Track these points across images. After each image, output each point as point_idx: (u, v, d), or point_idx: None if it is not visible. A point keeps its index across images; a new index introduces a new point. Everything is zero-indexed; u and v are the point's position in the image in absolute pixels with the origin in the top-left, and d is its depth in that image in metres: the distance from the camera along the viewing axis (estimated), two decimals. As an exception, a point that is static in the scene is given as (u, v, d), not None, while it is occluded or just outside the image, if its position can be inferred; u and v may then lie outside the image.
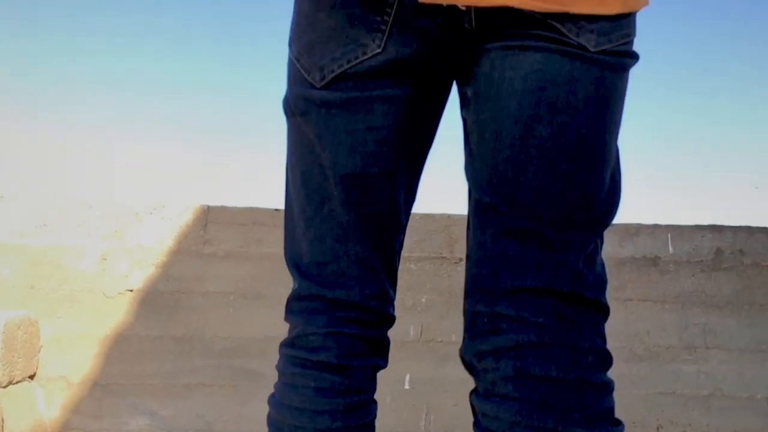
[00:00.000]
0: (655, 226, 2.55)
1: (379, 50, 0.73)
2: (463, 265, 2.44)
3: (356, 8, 0.73)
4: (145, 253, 2.41)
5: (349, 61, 0.74)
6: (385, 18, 0.72)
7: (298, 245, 0.85)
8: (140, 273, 2.40)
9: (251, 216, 2.47)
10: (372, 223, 0.82)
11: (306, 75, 0.77)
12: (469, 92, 0.77)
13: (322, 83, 0.76)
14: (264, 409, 0.88)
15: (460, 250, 2.45)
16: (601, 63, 0.71)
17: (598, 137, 0.72)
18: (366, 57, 0.74)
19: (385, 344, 0.87)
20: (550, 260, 0.71)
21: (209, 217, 2.46)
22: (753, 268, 2.51)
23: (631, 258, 2.49)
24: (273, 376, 0.90)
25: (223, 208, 2.48)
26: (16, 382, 2.17)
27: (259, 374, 2.35)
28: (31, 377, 2.27)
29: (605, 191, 0.74)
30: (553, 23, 0.69)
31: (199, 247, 2.43)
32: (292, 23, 0.81)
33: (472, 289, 0.75)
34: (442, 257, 2.48)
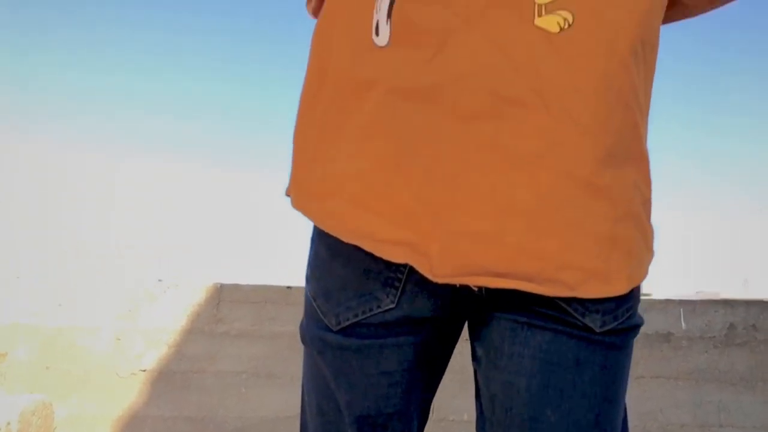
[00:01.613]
0: (667, 301, 2.54)
1: (392, 306, 0.75)
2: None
3: (371, 263, 0.74)
4: (159, 333, 2.43)
5: (363, 312, 0.76)
6: (399, 276, 0.74)
7: None
8: (154, 353, 2.42)
9: (264, 294, 2.49)
10: None
11: (322, 317, 0.79)
12: (479, 351, 0.79)
13: (337, 328, 0.78)
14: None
15: (472, 328, 2.45)
16: (606, 344, 0.73)
17: (605, 414, 0.74)
18: (380, 310, 0.75)
19: None
20: None
21: (222, 296, 2.48)
22: (766, 343, 2.49)
23: (642, 334, 2.48)
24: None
25: (235, 286, 2.50)
26: (31, 468, 2.18)
27: (272, 454, 2.35)
28: (45, 460, 2.28)
29: None
30: (560, 303, 0.72)
31: (211, 327, 2.45)
32: (309, 260, 0.83)
33: None
34: (454, 334, 2.48)
